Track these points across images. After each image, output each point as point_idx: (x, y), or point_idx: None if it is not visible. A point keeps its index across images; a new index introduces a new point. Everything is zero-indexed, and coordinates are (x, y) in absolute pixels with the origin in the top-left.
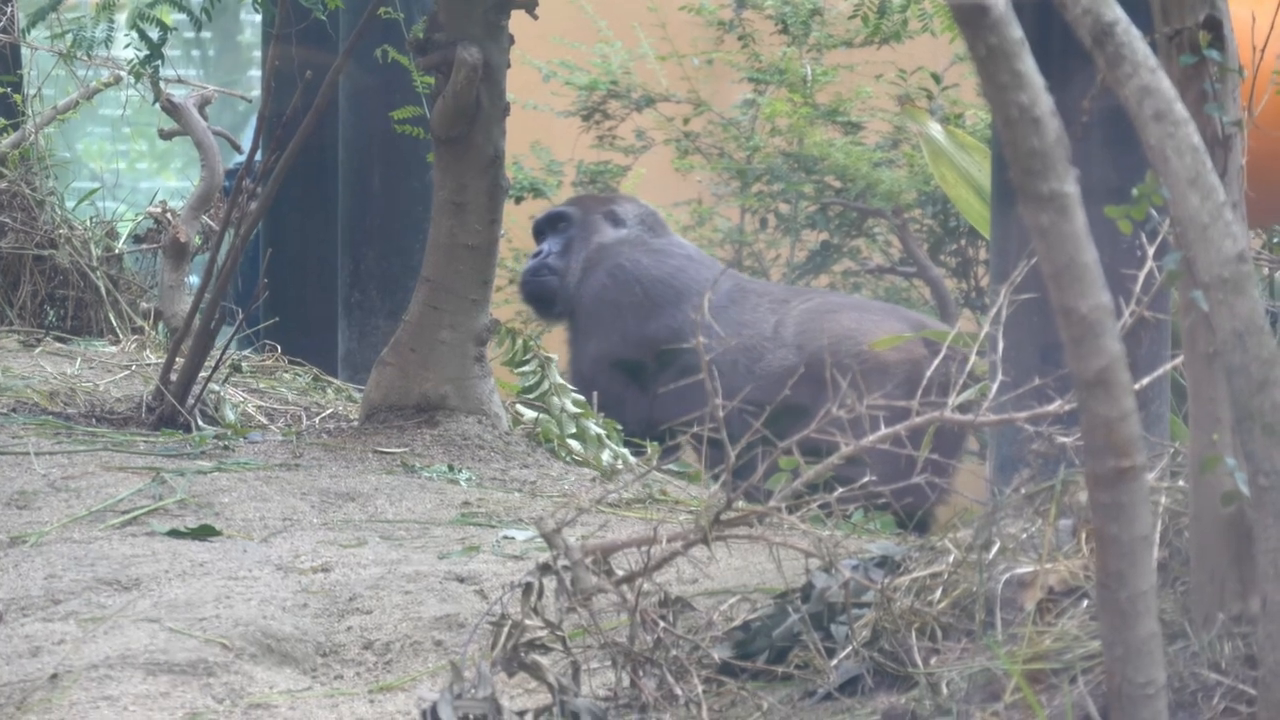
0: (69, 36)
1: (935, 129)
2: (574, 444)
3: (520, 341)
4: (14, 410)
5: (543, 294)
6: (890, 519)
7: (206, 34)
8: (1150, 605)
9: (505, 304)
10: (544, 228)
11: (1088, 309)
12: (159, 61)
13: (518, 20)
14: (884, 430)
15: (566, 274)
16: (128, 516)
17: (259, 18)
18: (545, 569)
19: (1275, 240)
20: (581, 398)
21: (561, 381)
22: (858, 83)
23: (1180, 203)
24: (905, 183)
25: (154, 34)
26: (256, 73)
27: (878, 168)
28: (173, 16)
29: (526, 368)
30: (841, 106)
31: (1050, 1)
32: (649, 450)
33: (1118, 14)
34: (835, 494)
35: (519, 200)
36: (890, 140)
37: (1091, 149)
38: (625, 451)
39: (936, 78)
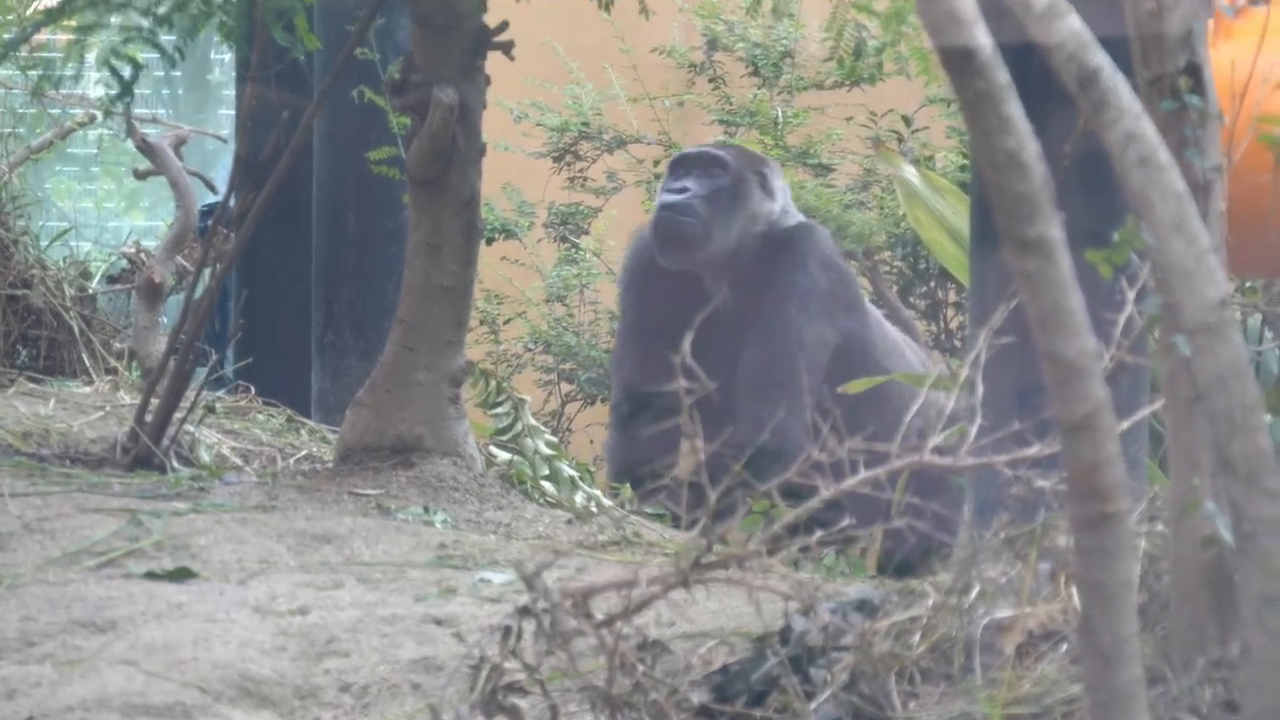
0: (36, 74)
1: (910, 172)
2: (547, 486)
3: (494, 383)
4: None
5: (682, 235)
6: (860, 561)
7: (176, 72)
8: (1133, 650)
9: (476, 345)
10: (689, 165)
11: (1074, 354)
12: (129, 99)
13: (492, 61)
14: (863, 474)
15: (712, 225)
16: (104, 558)
17: (229, 56)
18: (524, 612)
19: (1249, 285)
20: (554, 439)
21: (534, 423)
22: (828, 125)
23: (1164, 248)
24: (876, 225)
25: (125, 71)
26: (226, 111)
27: (848, 210)
28: (143, 55)
29: (500, 409)
30: (812, 148)
31: (1029, 44)
32: (622, 493)
33: (1101, 60)
34: (815, 537)
35: (490, 241)
36: (860, 182)
37: (1068, 192)
38: (598, 493)
39: (907, 120)
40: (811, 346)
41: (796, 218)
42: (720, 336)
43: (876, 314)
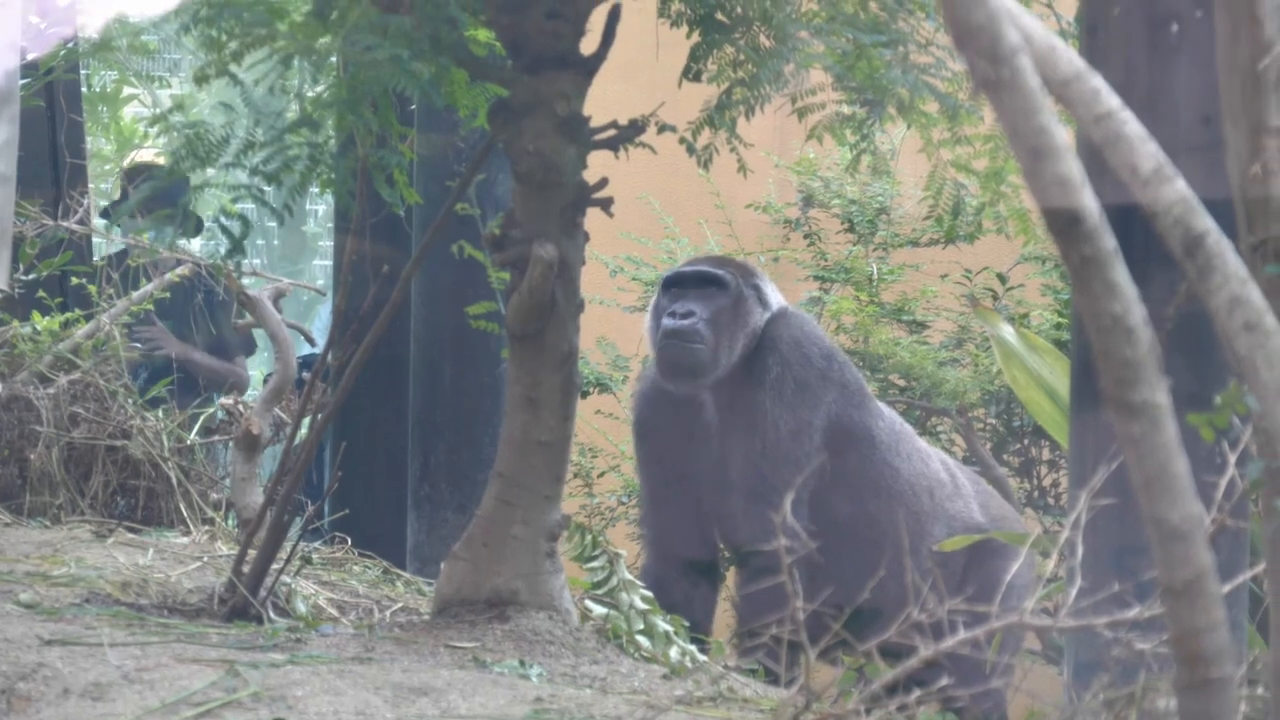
0: (148, 235)
1: (1007, 330)
2: (643, 641)
3: (589, 537)
4: (87, 601)
5: (691, 362)
6: (955, 718)
7: (271, 224)
8: None
9: (570, 498)
10: (686, 285)
11: (1179, 519)
12: (241, 256)
13: (589, 216)
14: (963, 634)
15: (718, 350)
16: (202, 709)
17: (322, 208)
18: None
19: None
20: (649, 594)
21: (629, 578)
22: (923, 282)
23: (1269, 413)
24: (970, 382)
25: (236, 229)
26: (320, 262)
27: (943, 367)
28: (240, 207)
29: (595, 563)
30: (907, 305)
31: (1132, 204)
32: (712, 648)
33: (1208, 225)
34: (913, 695)
35: (585, 395)
36: (955, 339)
37: (1168, 353)
38: (693, 649)
39: (1002, 278)
40: (789, 437)
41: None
42: (716, 448)
43: (887, 410)
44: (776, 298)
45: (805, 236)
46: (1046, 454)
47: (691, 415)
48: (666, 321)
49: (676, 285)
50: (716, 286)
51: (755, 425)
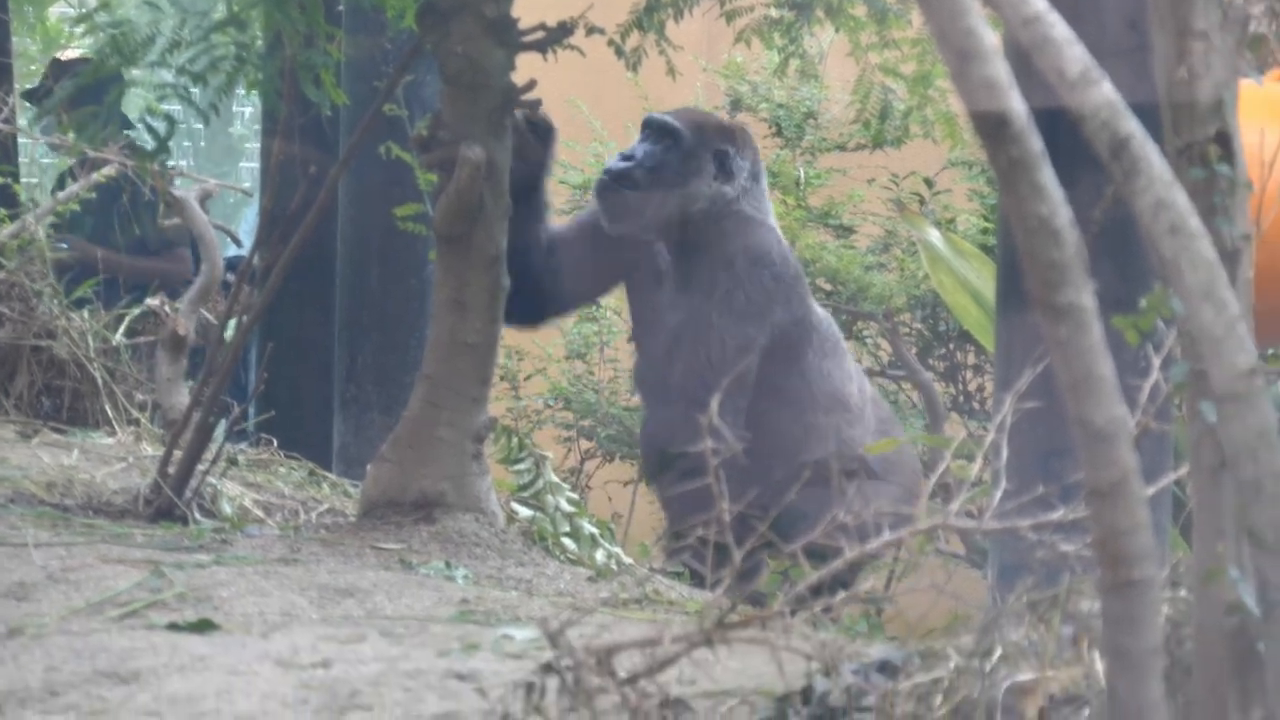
0: (71, 133)
1: (934, 235)
2: (568, 543)
3: (516, 440)
4: (11, 501)
5: (616, 205)
6: (879, 621)
7: (198, 125)
8: (1158, 716)
9: (497, 401)
10: (648, 130)
11: (1104, 421)
12: (165, 155)
13: None
14: (887, 536)
15: (648, 197)
16: (127, 609)
17: (250, 110)
18: (548, 669)
19: (1271, 352)
20: (575, 496)
21: (556, 480)
22: (850, 186)
23: (1193, 316)
24: (896, 287)
25: (161, 129)
26: (247, 164)
27: (869, 271)
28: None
29: (521, 465)
30: (834, 210)
31: (1057, 108)
32: (641, 551)
33: (1133, 128)
34: (838, 597)
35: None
36: (882, 244)
37: (1095, 258)
38: (619, 550)
39: (929, 182)
40: (735, 351)
41: (753, 204)
42: (664, 303)
43: (822, 313)
44: (747, 178)
45: None
46: (972, 359)
47: (643, 252)
48: (609, 160)
49: (646, 128)
50: (672, 139)
51: (701, 336)
